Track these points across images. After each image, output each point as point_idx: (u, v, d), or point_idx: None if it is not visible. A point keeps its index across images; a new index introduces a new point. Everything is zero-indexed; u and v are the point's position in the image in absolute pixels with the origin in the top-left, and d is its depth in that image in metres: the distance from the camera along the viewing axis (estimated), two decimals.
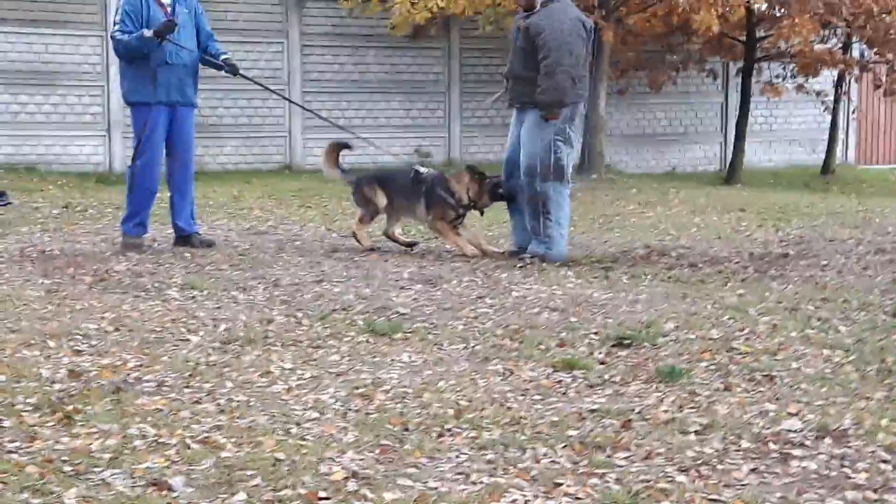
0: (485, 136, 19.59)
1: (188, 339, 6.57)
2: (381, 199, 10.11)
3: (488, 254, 9.89)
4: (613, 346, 6.58)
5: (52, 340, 6.39)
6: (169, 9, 9.70)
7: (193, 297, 7.81)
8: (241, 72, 10.45)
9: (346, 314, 7.36)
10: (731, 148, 20.30)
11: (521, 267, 9.24)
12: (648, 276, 8.88)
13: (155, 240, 10.32)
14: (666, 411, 5.32)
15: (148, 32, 9.47)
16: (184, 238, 10.03)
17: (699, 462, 4.64)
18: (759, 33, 19.34)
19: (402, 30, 17.70)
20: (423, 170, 10.30)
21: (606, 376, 5.96)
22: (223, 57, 10.08)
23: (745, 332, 6.91)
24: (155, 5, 9.66)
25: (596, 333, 6.86)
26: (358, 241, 10.13)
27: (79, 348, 6.27)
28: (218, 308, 7.47)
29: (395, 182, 10.22)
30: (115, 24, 9.71)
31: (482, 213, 10.51)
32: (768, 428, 5.07)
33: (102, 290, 7.97)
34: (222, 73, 10.21)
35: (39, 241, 10.18)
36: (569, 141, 9.61)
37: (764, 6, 18.52)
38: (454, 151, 19.28)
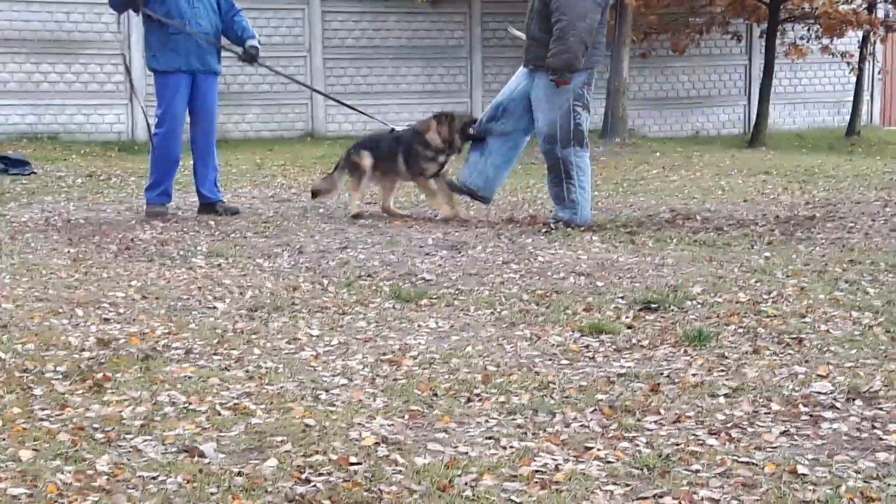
0: None
1: (215, 307, 6.60)
2: (367, 161, 10.10)
3: (460, 218, 9.98)
4: (640, 310, 6.57)
5: (80, 308, 6.42)
6: None
7: (219, 264, 7.83)
8: (259, 60, 10.45)
9: (371, 280, 7.37)
10: (756, 110, 20.17)
11: (546, 232, 9.23)
12: (674, 240, 8.86)
13: (179, 208, 10.35)
14: (695, 374, 5.31)
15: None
16: (208, 205, 10.07)
17: (729, 425, 4.63)
18: None
19: None
20: (398, 128, 10.37)
21: (634, 340, 5.96)
22: (249, 43, 10.06)
23: (773, 294, 6.89)
24: None
25: (622, 298, 6.86)
26: (354, 205, 10.11)
27: (106, 316, 6.29)
28: (244, 275, 7.49)
29: (378, 145, 10.27)
30: None
31: (459, 152, 10.32)
32: (798, 390, 5.06)
33: (128, 258, 7.99)
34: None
35: (64, 210, 10.22)
36: (587, 106, 9.64)
37: None
38: (477, 117, 19.24)
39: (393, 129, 10.40)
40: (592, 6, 9.37)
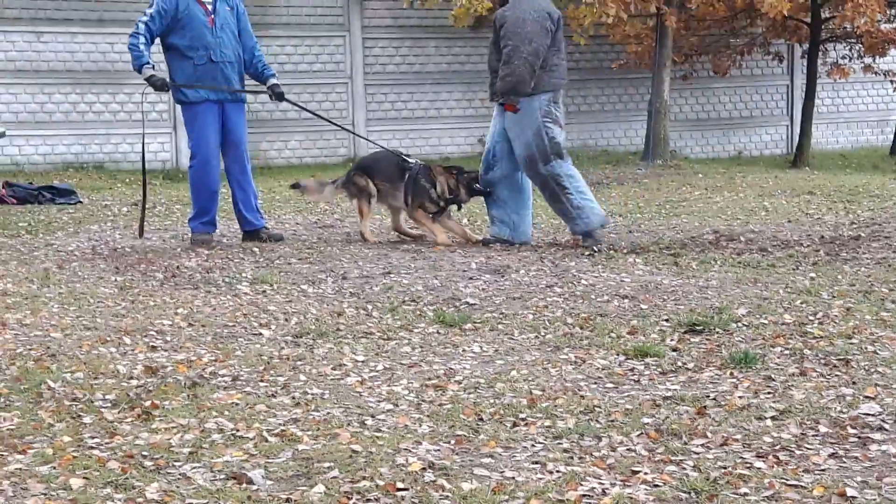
0: None
1: (260, 333, 6.63)
2: (371, 186, 10.19)
3: (469, 240, 10.07)
4: (685, 332, 6.55)
5: (128, 337, 6.47)
6: (209, 6, 9.77)
7: (264, 291, 7.87)
8: (287, 97, 10.54)
9: (415, 305, 7.38)
10: (798, 130, 20.08)
11: (588, 254, 9.24)
12: (718, 262, 8.83)
13: (224, 235, 10.41)
14: (741, 397, 5.29)
15: (149, 71, 9.63)
16: (251, 233, 10.10)
17: (777, 447, 4.61)
18: (825, 14, 19.12)
19: (463, 21, 17.69)
20: (411, 160, 10.40)
21: (679, 363, 5.94)
22: (271, 83, 10.17)
23: (819, 315, 6.85)
24: (195, 3, 9.73)
25: (667, 320, 6.84)
26: (364, 238, 10.13)
27: (154, 344, 6.34)
28: (288, 302, 7.53)
29: (380, 166, 10.33)
30: (144, 14, 9.75)
31: (460, 208, 10.52)
32: (846, 412, 5.03)
33: (174, 286, 8.05)
34: (276, 67, 10.26)
35: (110, 238, 10.31)
36: (557, 121, 9.78)
37: None
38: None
39: (403, 158, 10.43)
40: (539, 30, 9.55)
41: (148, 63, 9.63)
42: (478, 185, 10.04)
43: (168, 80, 9.82)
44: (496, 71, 9.75)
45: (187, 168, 10.21)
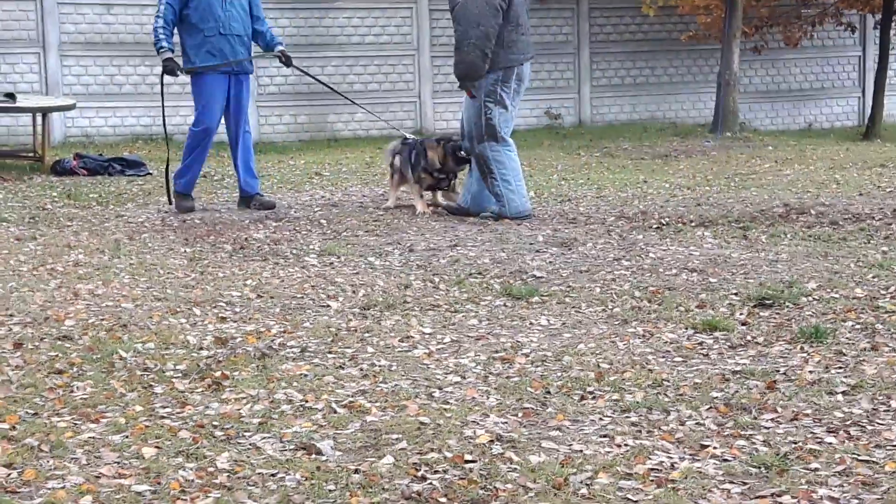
0: (615, 96, 19.44)
1: (328, 305, 6.67)
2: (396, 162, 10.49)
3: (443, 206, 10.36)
4: (755, 306, 6.51)
5: (198, 308, 6.54)
6: None
7: (331, 263, 7.91)
8: (293, 63, 10.87)
9: (482, 278, 7.39)
10: (870, 102, 19.81)
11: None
12: (788, 235, 8.75)
13: (292, 207, 10.46)
14: (811, 372, 5.25)
15: (166, 55, 10.06)
16: (245, 198, 10.43)
17: (848, 423, 4.58)
18: None
19: None
20: (410, 137, 10.71)
21: (749, 337, 5.91)
22: (278, 49, 10.54)
23: (891, 289, 6.78)
24: None
25: (736, 294, 6.80)
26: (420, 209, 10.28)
27: (223, 315, 6.40)
28: (356, 274, 7.56)
29: (402, 149, 10.52)
30: (161, 2, 10.12)
31: (455, 177, 10.53)
32: None
33: (243, 257, 8.11)
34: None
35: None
36: (500, 102, 9.78)
37: None
38: (584, 113, 19.18)
39: (406, 137, 10.69)
40: (487, 11, 9.52)
41: (164, 48, 10.08)
42: (461, 153, 10.16)
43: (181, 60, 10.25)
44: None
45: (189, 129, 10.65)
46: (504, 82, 9.77)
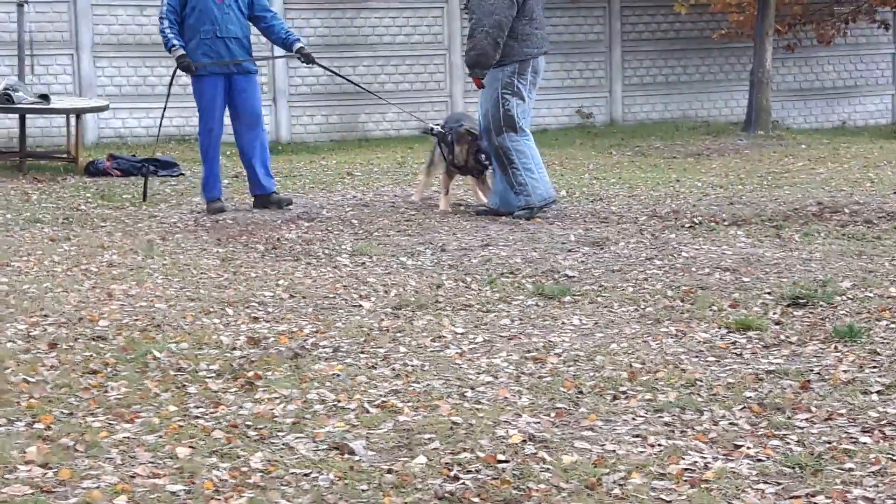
0: (647, 94, 19.38)
1: (360, 305, 6.68)
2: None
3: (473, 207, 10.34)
4: (788, 305, 6.49)
5: (230, 308, 6.56)
6: None
7: (363, 263, 7.93)
8: (316, 60, 10.79)
9: (514, 278, 7.39)
10: None
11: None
12: (822, 234, 8.71)
13: (324, 207, 10.47)
14: (846, 371, 5.23)
15: (178, 52, 10.04)
16: (262, 196, 10.43)
17: (883, 423, 4.56)
18: None
19: None
20: (435, 126, 10.63)
21: (782, 336, 5.89)
22: (297, 47, 10.48)
23: None
24: None
25: (769, 293, 6.78)
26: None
27: (256, 315, 6.42)
28: (388, 273, 7.57)
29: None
30: (163, 3, 10.18)
31: (474, 175, 10.46)
32: None
33: (275, 257, 8.14)
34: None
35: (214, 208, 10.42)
36: (517, 93, 9.82)
37: None
38: (616, 111, 19.13)
39: (432, 129, 10.62)
40: (503, 2, 9.58)
41: (175, 45, 10.09)
42: (483, 156, 10.08)
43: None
44: None
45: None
46: (521, 74, 9.83)
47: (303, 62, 10.78)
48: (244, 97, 10.34)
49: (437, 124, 10.78)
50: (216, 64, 10.14)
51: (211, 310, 6.51)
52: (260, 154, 10.43)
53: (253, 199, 10.55)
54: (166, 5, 10.12)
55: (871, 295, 6.65)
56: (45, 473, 4.08)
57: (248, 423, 4.63)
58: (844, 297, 6.60)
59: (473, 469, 4.12)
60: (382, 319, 6.34)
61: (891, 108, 20.89)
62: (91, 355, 5.58)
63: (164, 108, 10.84)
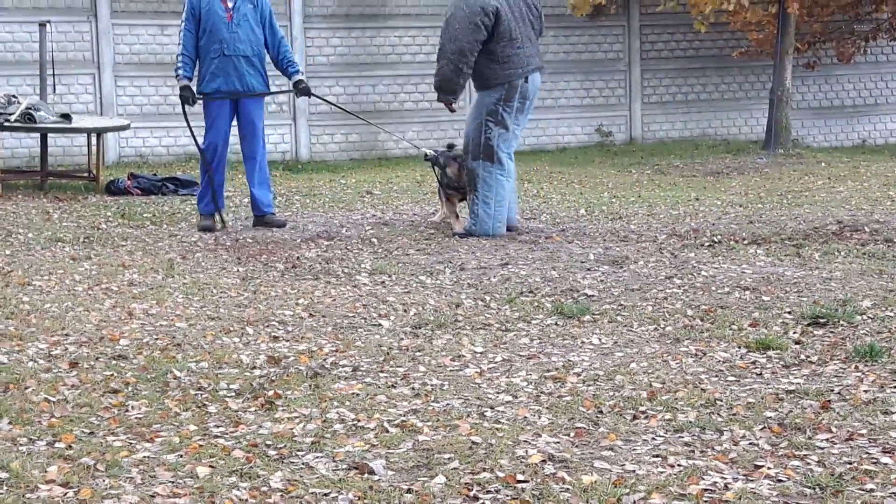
0: (666, 113, 19.38)
1: (380, 324, 6.69)
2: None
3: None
4: (808, 325, 6.48)
5: (250, 327, 6.58)
6: (230, 3, 10.26)
7: (383, 282, 7.94)
8: (313, 92, 10.99)
9: (533, 297, 7.39)
10: None
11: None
12: (842, 253, 8.69)
13: (343, 225, 10.50)
14: (867, 391, 5.22)
15: (183, 83, 10.27)
16: (259, 217, 10.55)
17: None
18: None
19: (582, 10, 17.65)
20: (429, 152, 10.64)
21: (802, 356, 5.88)
22: (296, 79, 10.60)
23: None
24: (217, 2, 10.25)
25: (789, 312, 6.76)
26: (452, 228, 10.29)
27: (276, 334, 6.44)
28: (407, 293, 7.58)
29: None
30: (182, 19, 10.34)
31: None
32: None
33: (295, 276, 8.15)
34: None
35: (232, 229, 10.45)
36: (501, 122, 9.80)
37: None
38: (636, 130, 19.13)
39: (426, 154, 10.64)
40: (468, 28, 9.55)
41: (180, 76, 10.32)
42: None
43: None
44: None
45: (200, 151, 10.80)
46: (506, 101, 9.79)
47: (298, 96, 10.91)
48: (248, 114, 10.44)
49: (434, 150, 10.76)
50: (219, 97, 10.28)
51: (231, 329, 6.53)
52: (258, 175, 10.52)
53: (253, 219, 10.70)
54: (184, 31, 10.25)
55: (892, 314, 6.63)
56: (66, 493, 4.10)
57: (267, 442, 4.64)
58: (865, 317, 6.58)
59: (493, 489, 4.11)
60: (402, 338, 6.35)
61: None
62: (112, 374, 5.59)
63: (191, 131, 10.86)
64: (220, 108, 10.34)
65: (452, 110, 9.91)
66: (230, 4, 10.25)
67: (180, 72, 10.27)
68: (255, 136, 10.51)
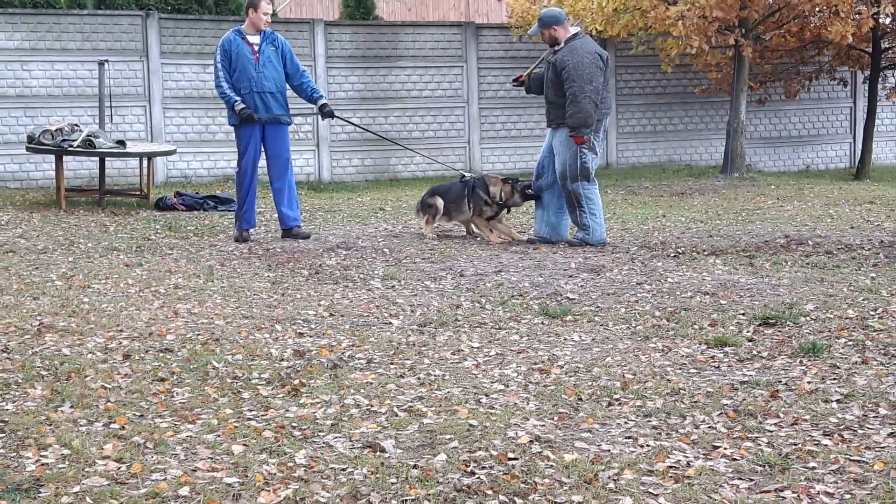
0: (638, 142, 19.38)
1: (390, 323, 6.68)
2: (439, 203, 10.63)
3: (514, 239, 10.40)
4: (760, 325, 6.46)
5: (279, 325, 6.57)
6: (256, 47, 10.31)
7: (393, 286, 7.93)
8: (336, 114, 10.95)
9: (522, 300, 7.38)
10: (860, 147, 19.65)
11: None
12: (789, 263, 8.68)
13: (359, 237, 10.49)
14: (810, 382, 5.21)
15: (240, 106, 10.19)
16: (287, 230, 10.55)
17: (842, 427, 4.53)
18: (884, 44, 18.68)
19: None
20: (467, 175, 10.91)
21: (755, 352, 5.86)
22: (321, 103, 10.60)
23: (879, 311, 6.71)
24: (245, 45, 10.28)
25: (743, 314, 6.75)
26: (426, 235, 10.58)
27: (301, 331, 6.43)
28: (414, 295, 7.57)
29: (448, 191, 10.77)
30: (216, 61, 10.32)
31: (509, 211, 10.80)
32: None
33: (317, 281, 8.14)
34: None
35: (263, 239, 10.45)
36: (593, 149, 9.95)
37: (888, 19, 17.85)
38: (611, 156, 19.12)
39: (463, 176, 10.86)
40: (596, 71, 9.79)
41: (236, 101, 10.25)
42: (530, 191, 10.42)
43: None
44: (553, 102, 10.00)
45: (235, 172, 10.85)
46: (596, 132, 9.96)
47: (322, 118, 10.90)
48: (275, 144, 10.45)
49: (463, 173, 10.97)
50: (268, 118, 10.31)
51: (262, 326, 6.52)
52: (287, 194, 10.51)
53: (281, 232, 10.65)
54: (221, 71, 10.25)
55: (832, 316, 6.61)
56: (120, 467, 4.09)
57: (293, 424, 4.63)
58: (808, 318, 6.57)
59: (487, 465, 4.11)
60: (409, 335, 6.34)
61: (849, 153, 20.84)
62: (159, 365, 5.59)
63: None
64: (251, 135, 10.32)
65: (584, 141, 9.79)
66: (255, 47, 10.28)
67: (235, 98, 10.20)
68: (283, 163, 10.49)
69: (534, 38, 17.52)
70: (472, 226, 10.69)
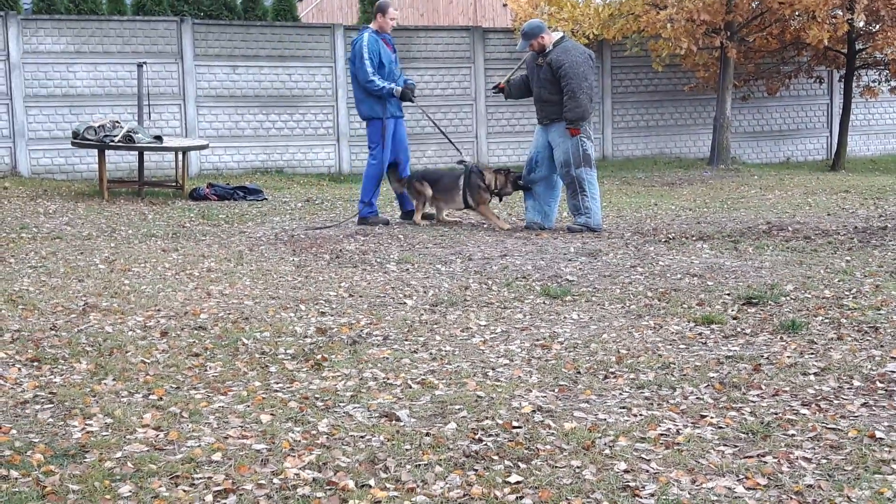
0: (631, 136, 19.32)
1: (405, 303, 6.68)
2: (428, 192, 10.52)
3: (495, 227, 10.32)
4: (743, 304, 6.45)
5: (303, 304, 6.58)
6: (392, 46, 10.46)
7: (407, 269, 7.92)
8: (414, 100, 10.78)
9: (526, 281, 7.37)
10: (836, 141, 19.57)
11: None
12: (770, 247, 8.66)
13: (376, 224, 10.47)
14: (789, 357, 5.20)
15: (398, 91, 10.26)
16: (408, 213, 10.66)
17: (818, 398, 4.53)
18: (858, 45, 18.58)
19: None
20: (467, 159, 10.92)
21: (739, 329, 5.85)
22: (409, 83, 10.58)
23: (853, 291, 6.69)
24: (384, 46, 10.34)
25: (729, 294, 6.74)
26: (417, 223, 10.47)
27: (323, 310, 6.43)
28: (426, 278, 7.57)
29: (439, 179, 10.63)
30: (367, 66, 10.20)
31: (501, 200, 10.78)
32: (875, 370, 4.91)
33: (338, 265, 8.15)
34: (417, 92, 10.84)
35: (289, 227, 10.46)
36: (588, 137, 10.01)
37: (861, 23, 17.75)
38: (607, 150, 19.07)
39: (462, 161, 10.80)
40: (589, 69, 9.91)
41: (393, 87, 10.27)
42: (521, 182, 10.40)
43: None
44: (546, 100, 10.02)
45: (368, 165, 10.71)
46: (588, 122, 10.04)
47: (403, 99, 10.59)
48: (401, 135, 10.59)
49: (463, 161, 10.90)
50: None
51: (288, 306, 6.53)
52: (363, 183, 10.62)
53: (401, 213, 10.85)
54: (371, 66, 10.17)
55: (810, 296, 6.60)
56: (158, 435, 4.11)
57: (316, 395, 4.64)
58: (788, 298, 6.56)
59: (494, 433, 4.11)
60: (422, 314, 6.34)
61: (825, 147, 20.75)
62: (194, 342, 5.60)
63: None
64: (390, 129, 10.44)
65: (579, 133, 9.83)
66: (391, 46, 10.45)
67: (391, 87, 10.22)
68: (404, 144, 10.67)
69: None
70: (479, 216, 10.59)
